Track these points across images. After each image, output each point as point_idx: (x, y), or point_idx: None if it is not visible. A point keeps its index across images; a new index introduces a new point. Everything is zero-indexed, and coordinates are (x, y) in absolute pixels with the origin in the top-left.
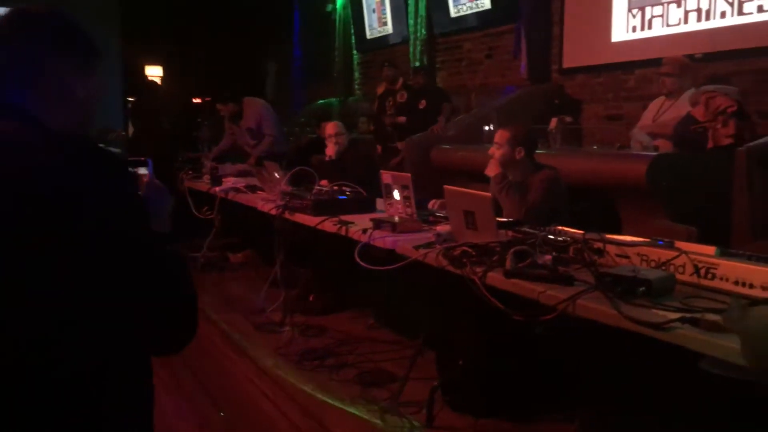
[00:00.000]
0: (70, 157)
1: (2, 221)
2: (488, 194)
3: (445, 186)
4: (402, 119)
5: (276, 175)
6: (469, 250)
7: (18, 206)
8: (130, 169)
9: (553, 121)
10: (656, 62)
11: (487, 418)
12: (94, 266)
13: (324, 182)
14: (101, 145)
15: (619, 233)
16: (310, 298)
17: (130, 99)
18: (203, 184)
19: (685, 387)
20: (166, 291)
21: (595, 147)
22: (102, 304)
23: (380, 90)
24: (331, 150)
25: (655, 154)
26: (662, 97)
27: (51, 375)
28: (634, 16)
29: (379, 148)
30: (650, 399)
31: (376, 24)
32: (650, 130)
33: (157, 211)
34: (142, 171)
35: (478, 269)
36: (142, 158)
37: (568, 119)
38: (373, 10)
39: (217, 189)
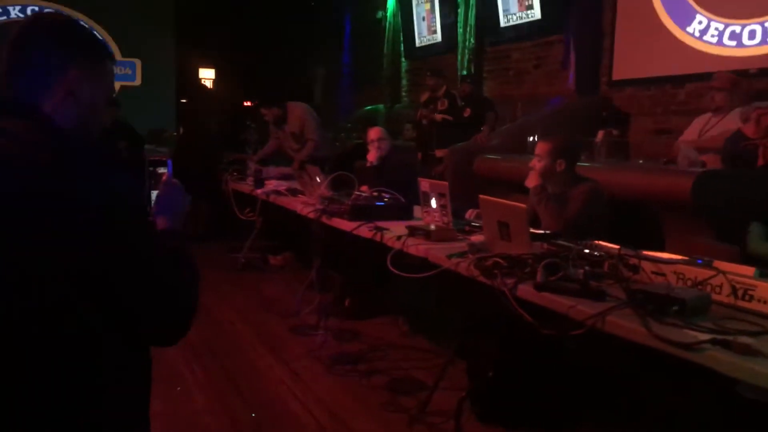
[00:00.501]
0: (75, 156)
1: (7, 217)
2: (523, 205)
3: (481, 196)
4: (439, 117)
5: (317, 179)
6: (501, 261)
7: (23, 203)
8: (151, 168)
9: (600, 134)
10: (707, 77)
11: (513, 431)
12: (92, 262)
13: (364, 188)
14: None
15: (662, 250)
16: (346, 303)
17: (183, 101)
18: (246, 185)
19: (721, 410)
20: (161, 288)
21: (640, 161)
22: (97, 298)
23: (423, 98)
24: (372, 155)
25: (701, 170)
26: (709, 113)
27: (46, 367)
28: (686, 30)
29: (419, 155)
30: (685, 419)
31: (425, 32)
32: (698, 145)
33: (173, 209)
34: (161, 170)
35: (509, 281)
36: (163, 158)
37: (615, 132)
38: (423, 18)
39: (259, 191)
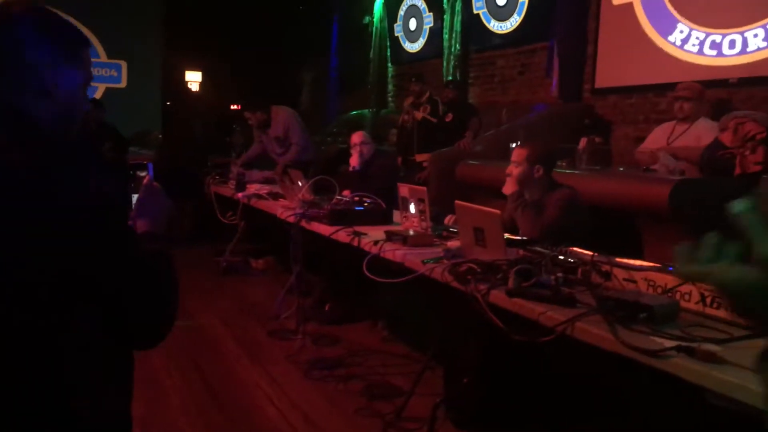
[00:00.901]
0: (55, 155)
1: None
2: (497, 211)
3: (456, 201)
4: (419, 115)
5: (299, 183)
6: (475, 267)
7: (2, 207)
8: (132, 171)
9: (583, 141)
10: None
11: None
12: (75, 262)
13: (347, 192)
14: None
15: (641, 257)
16: (326, 307)
17: (169, 103)
18: (228, 189)
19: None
20: (139, 290)
21: (621, 168)
22: (80, 299)
23: (407, 102)
24: (354, 160)
25: (679, 178)
26: (673, 122)
27: (26, 367)
28: (667, 39)
29: (399, 159)
30: (656, 423)
31: (411, 38)
32: (673, 153)
33: (153, 212)
34: (142, 173)
35: (482, 287)
36: (144, 161)
37: (598, 140)
38: (409, 24)
39: (240, 195)
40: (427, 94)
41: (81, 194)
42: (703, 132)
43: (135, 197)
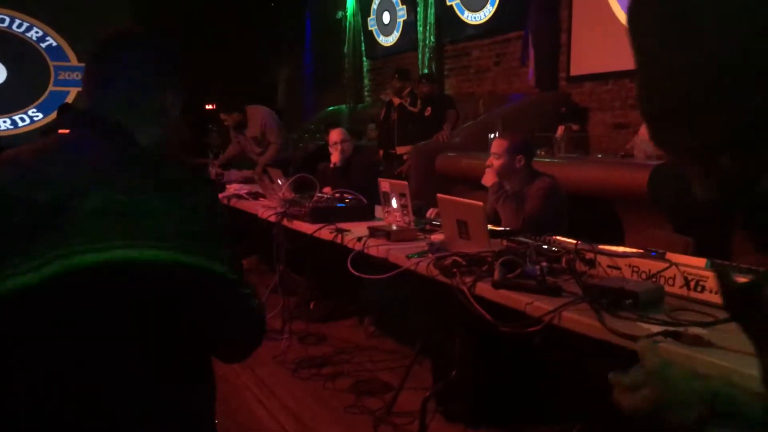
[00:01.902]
0: (162, 177)
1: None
2: (480, 203)
3: (439, 195)
4: (396, 100)
5: (279, 181)
6: (460, 259)
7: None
8: None
9: (560, 129)
10: None
11: (479, 428)
12: (176, 286)
13: (327, 189)
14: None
15: (622, 243)
16: (311, 306)
17: None
18: None
19: None
20: (246, 308)
21: (599, 155)
22: (182, 324)
23: (387, 98)
24: (335, 157)
25: (656, 163)
26: None
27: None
28: None
29: (380, 152)
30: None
31: (385, 31)
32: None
33: None
34: None
35: (468, 279)
36: None
37: (575, 127)
38: (383, 18)
39: (220, 195)
40: (408, 89)
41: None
42: None
43: None
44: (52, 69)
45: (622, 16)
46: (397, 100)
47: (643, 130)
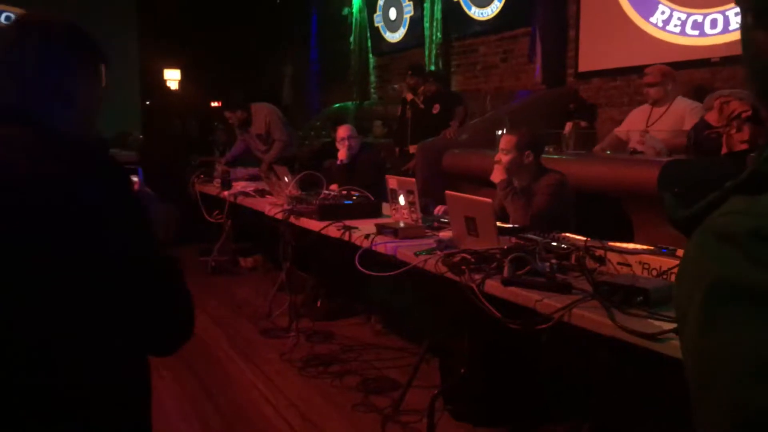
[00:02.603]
0: (74, 162)
1: (6, 229)
2: (489, 200)
3: (447, 191)
4: (409, 96)
5: (285, 179)
6: (469, 257)
7: (21, 215)
8: None
9: (568, 126)
10: (673, 66)
11: (487, 427)
12: (96, 272)
13: (334, 186)
14: (112, 150)
15: (632, 240)
16: (318, 304)
17: (148, 102)
18: (214, 187)
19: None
20: (164, 297)
21: (608, 152)
22: (100, 309)
23: (404, 95)
24: (342, 154)
25: (666, 159)
26: (647, 105)
27: (46, 377)
28: (649, 20)
29: (396, 150)
30: (655, 412)
31: (392, 28)
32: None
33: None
34: (133, 178)
35: (477, 276)
36: (133, 166)
37: (583, 124)
38: (389, 14)
39: (226, 193)
40: (423, 88)
41: (107, 197)
42: (683, 112)
43: None
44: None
45: (630, 12)
46: (409, 96)
47: (626, 127)
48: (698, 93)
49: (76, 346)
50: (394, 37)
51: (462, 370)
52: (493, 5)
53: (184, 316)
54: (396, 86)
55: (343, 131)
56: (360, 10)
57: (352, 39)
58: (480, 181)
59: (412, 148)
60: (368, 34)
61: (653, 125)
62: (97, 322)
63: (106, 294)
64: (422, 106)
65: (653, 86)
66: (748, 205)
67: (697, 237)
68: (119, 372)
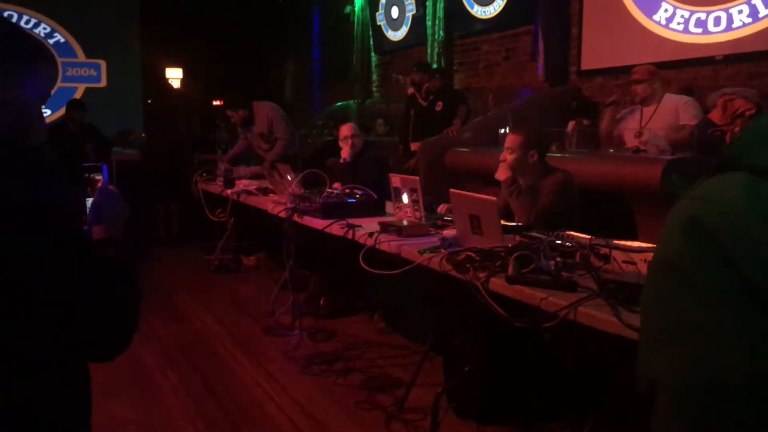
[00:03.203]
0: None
1: None
2: (493, 198)
3: (451, 190)
4: (410, 90)
5: (288, 177)
6: (473, 255)
7: None
8: (86, 174)
9: (571, 124)
10: (675, 65)
11: (491, 425)
12: (20, 269)
13: (337, 185)
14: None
15: (635, 238)
16: (321, 302)
17: (150, 101)
18: (216, 186)
19: None
20: (91, 298)
21: (611, 150)
22: (25, 312)
23: (409, 92)
24: (345, 152)
25: (670, 158)
26: (639, 108)
27: None
28: (652, 18)
29: (400, 148)
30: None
31: (394, 26)
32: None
33: (110, 217)
34: (97, 176)
35: (481, 275)
36: (98, 164)
37: (586, 122)
38: (391, 12)
39: (229, 191)
40: (427, 85)
41: (25, 198)
42: (675, 106)
43: (89, 202)
44: (59, 65)
45: (634, 10)
46: (410, 90)
47: (604, 128)
48: (701, 91)
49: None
50: (396, 35)
51: (466, 368)
52: (495, 3)
53: (121, 322)
54: (400, 76)
55: (346, 130)
56: (362, 9)
57: (354, 37)
58: (483, 180)
59: (413, 146)
60: (370, 33)
61: (647, 125)
62: (23, 326)
63: (31, 298)
64: (424, 103)
65: (641, 83)
66: (695, 189)
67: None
68: (52, 379)
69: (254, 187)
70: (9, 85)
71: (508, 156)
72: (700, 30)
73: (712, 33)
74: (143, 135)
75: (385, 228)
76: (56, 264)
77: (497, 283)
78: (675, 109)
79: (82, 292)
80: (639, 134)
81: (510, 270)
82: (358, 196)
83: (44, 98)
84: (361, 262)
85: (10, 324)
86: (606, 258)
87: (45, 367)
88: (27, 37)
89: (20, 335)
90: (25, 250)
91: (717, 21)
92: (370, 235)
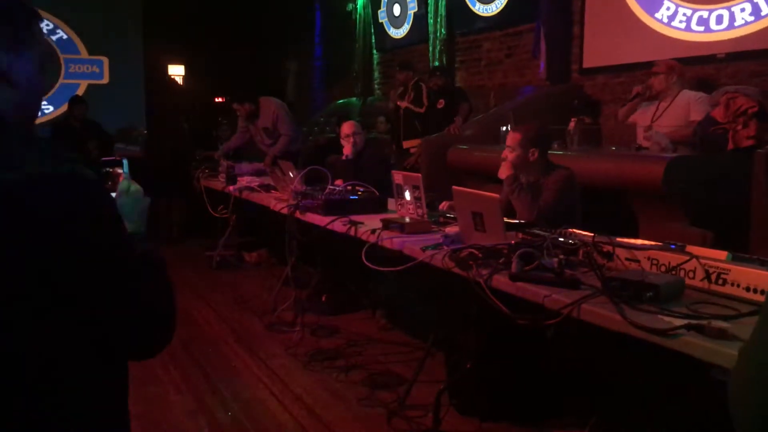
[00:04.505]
0: (23, 150)
1: None
2: (496, 195)
3: (454, 187)
4: (403, 104)
5: (290, 174)
6: (476, 252)
7: None
8: (106, 169)
9: (572, 122)
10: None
11: (493, 422)
12: (56, 268)
13: (339, 182)
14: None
15: (636, 236)
16: (323, 298)
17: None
18: (218, 182)
19: (696, 395)
20: (137, 297)
21: (613, 148)
22: (64, 311)
23: (394, 93)
24: (347, 149)
25: (672, 155)
26: (656, 103)
27: (18, 381)
28: (654, 16)
29: (393, 146)
30: (661, 406)
31: (396, 24)
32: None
33: (134, 212)
34: (118, 170)
35: (484, 272)
36: (118, 158)
37: (588, 120)
38: (393, 10)
39: (231, 188)
40: (413, 81)
41: (63, 194)
42: (688, 102)
43: (111, 196)
44: (62, 62)
45: (635, 8)
46: (403, 104)
47: (657, 123)
48: (703, 89)
49: (45, 355)
50: (398, 33)
51: (468, 365)
52: (497, 1)
53: (162, 317)
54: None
55: (348, 127)
56: (364, 6)
57: (356, 35)
58: (484, 177)
59: (405, 144)
60: (372, 30)
61: (659, 120)
62: (65, 327)
63: (72, 297)
64: (420, 109)
65: (656, 75)
66: None
67: None
68: (95, 379)
69: (256, 183)
70: (15, 61)
71: (509, 154)
72: (702, 28)
73: (714, 31)
74: (145, 132)
75: (387, 225)
76: (95, 261)
77: (500, 281)
78: (687, 105)
79: (122, 291)
80: (648, 129)
81: (513, 267)
82: (360, 193)
83: (44, 62)
84: (364, 259)
85: (51, 319)
86: (609, 255)
87: (86, 366)
88: (25, 12)
89: (61, 334)
90: (61, 248)
91: (719, 19)
92: (373, 232)
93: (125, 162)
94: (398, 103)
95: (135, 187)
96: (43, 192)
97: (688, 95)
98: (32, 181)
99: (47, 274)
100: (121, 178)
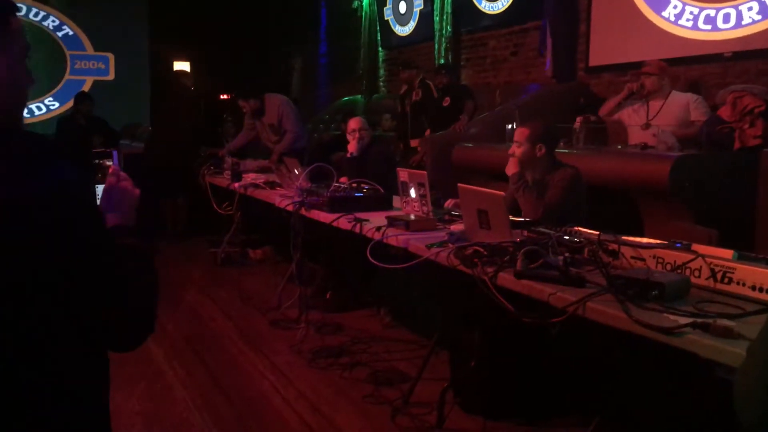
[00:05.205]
0: (8, 145)
1: None
2: (501, 193)
3: (459, 184)
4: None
5: (295, 171)
6: (481, 249)
7: None
8: (95, 161)
9: (578, 120)
10: (683, 61)
11: (497, 420)
12: (40, 260)
13: (344, 179)
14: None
15: (642, 234)
16: (327, 296)
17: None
18: (224, 179)
19: (701, 393)
20: (119, 289)
21: (619, 146)
22: (37, 298)
23: (402, 91)
24: (353, 146)
25: (678, 154)
26: (643, 101)
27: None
28: (661, 15)
29: (401, 145)
30: (666, 405)
31: (402, 21)
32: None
33: (122, 204)
34: (108, 162)
35: (489, 269)
36: (108, 150)
37: (593, 118)
38: (399, 7)
39: (236, 185)
40: (418, 79)
41: (49, 186)
42: (685, 103)
43: (100, 188)
44: (68, 58)
45: (642, 6)
46: (403, 88)
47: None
48: (709, 89)
49: (25, 343)
50: (403, 30)
51: (472, 363)
52: None
53: (141, 311)
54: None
55: (354, 123)
56: (370, 4)
57: (361, 32)
58: (489, 175)
59: (413, 142)
60: (378, 28)
61: (654, 119)
62: (44, 318)
63: (53, 292)
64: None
65: (650, 76)
66: None
67: None
68: (74, 369)
69: (261, 180)
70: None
71: (516, 149)
72: (709, 27)
73: (721, 30)
74: (150, 128)
75: (392, 222)
76: (78, 252)
77: (505, 278)
78: (684, 106)
79: (105, 283)
80: (646, 127)
81: (518, 265)
82: (365, 190)
83: (25, 55)
84: (369, 256)
85: (33, 313)
86: (614, 254)
87: (68, 359)
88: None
89: (44, 326)
90: (46, 239)
91: (726, 18)
92: (378, 229)
93: (115, 154)
94: (406, 105)
95: (124, 178)
96: (21, 191)
97: (682, 96)
98: (8, 181)
99: (28, 270)
100: (111, 170)
